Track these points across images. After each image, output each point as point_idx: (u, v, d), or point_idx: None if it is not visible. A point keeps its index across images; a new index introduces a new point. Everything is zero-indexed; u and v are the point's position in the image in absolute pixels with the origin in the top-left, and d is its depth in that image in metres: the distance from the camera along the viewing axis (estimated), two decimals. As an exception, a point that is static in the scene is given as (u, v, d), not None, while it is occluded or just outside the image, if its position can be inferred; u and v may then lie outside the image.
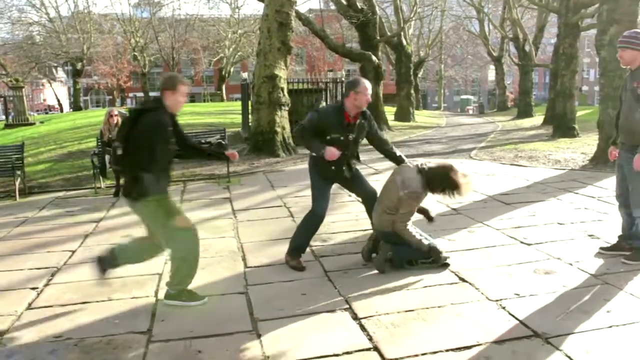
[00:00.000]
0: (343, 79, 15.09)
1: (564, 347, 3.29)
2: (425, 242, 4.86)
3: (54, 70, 62.71)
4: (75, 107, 46.09)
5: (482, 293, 4.18)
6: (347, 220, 6.57)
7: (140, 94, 51.94)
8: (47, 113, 53.94)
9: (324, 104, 15.37)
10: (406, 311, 3.92)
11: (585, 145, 13.14)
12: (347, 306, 4.08)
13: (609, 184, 8.06)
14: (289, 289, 4.51)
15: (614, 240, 5.13)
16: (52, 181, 10.57)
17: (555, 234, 5.64)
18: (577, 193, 7.54)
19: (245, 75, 15.12)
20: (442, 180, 4.61)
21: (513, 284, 4.33)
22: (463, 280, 4.47)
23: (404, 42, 26.95)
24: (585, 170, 9.50)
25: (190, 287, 4.67)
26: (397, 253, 4.75)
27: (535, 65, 27.85)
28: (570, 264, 4.73)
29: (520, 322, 3.67)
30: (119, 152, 4.18)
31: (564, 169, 9.74)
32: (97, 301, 4.44)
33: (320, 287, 4.50)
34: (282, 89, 12.63)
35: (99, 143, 9.39)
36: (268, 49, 12.58)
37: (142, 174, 4.01)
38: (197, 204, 7.98)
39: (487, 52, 38.19)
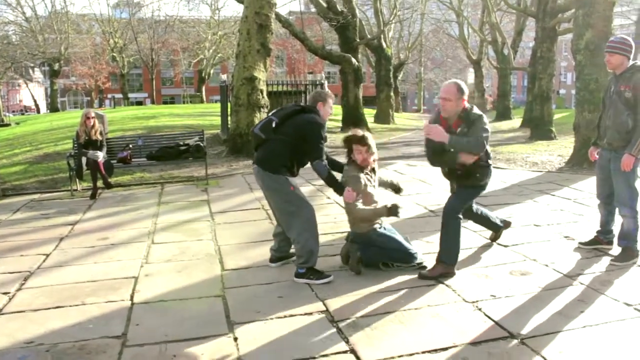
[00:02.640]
0: (322, 82, 15.10)
1: (538, 348, 3.32)
2: (403, 242, 4.88)
3: (30, 71, 61.81)
4: (52, 108, 45.53)
5: (458, 295, 4.20)
6: (326, 222, 6.55)
7: (119, 95, 51.59)
8: (23, 114, 53.17)
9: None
10: (383, 313, 3.92)
11: (562, 147, 13.30)
12: (324, 309, 4.07)
13: (585, 185, 8.18)
14: (265, 291, 4.49)
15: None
16: (27, 183, 10.38)
17: (531, 236, 5.69)
18: (553, 195, 7.62)
19: (224, 77, 15.04)
20: (348, 143, 4.82)
21: (489, 286, 4.35)
22: (440, 282, 4.48)
23: (384, 44, 27.05)
24: (562, 173, 9.62)
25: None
26: (367, 253, 4.77)
27: (514, 68, 28.11)
28: (546, 265, 4.77)
29: (496, 323, 3.69)
30: None
31: (541, 171, 9.85)
32: (71, 305, 4.37)
33: (297, 290, 4.48)
34: (262, 91, 12.58)
35: (75, 145, 9.25)
36: (247, 50, 12.51)
37: None
38: (175, 207, 7.91)
39: (466, 56, 38.42)
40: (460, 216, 4.73)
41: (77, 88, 54.46)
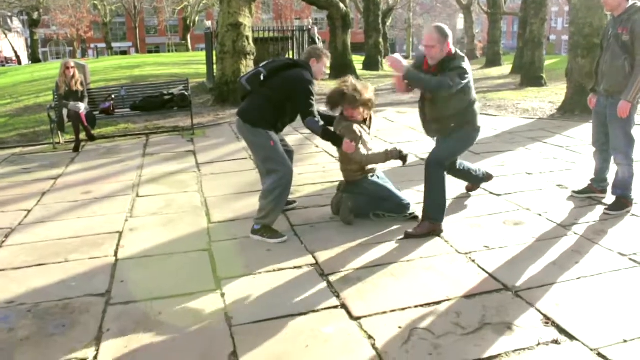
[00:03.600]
0: (310, 27, 14.67)
1: (533, 300, 3.25)
2: (395, 192, 4.77)
3: (9, 21, 59.84)
4: (34, 59, 44.32)
5: (451, 246, 4.11)
6: (315, 172, 6.42)
7: (102, 45, 50.26)
8: (3, 65, 51.79)
9: (290, 53, 15.01)
10: (374, 266, 3.83)
11: (553, 94, 13.11)
12: (314, 262, 3.97)
13: (577, 133, 8.07)
14: (253, 245, 4.37)
15: (582, 189, 5.18)
16: (8, 137, 10.08)
17: (524, 184, 5.59)
18: (545, 142, 7.51)
19: (209, 23, 14.54)
20: (339, 98, 4.62)
21: (483, 236, 4.27)
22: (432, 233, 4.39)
23: (373, -11, 26.31)
24: (554, 120, 9.48)
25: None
26: (358, 202, 4.66)
27: (505, 13, 27.61)
28: (539, 215, 4.68)
29: (490, 275, 3.61)
30: None
31: (533, 118, 9.70)
32: (53, 263, 4.24)
33: (286, 242, 4.37)
34: (247, 38, 12.19)
35: (56, 96, 8.94)
36: (231, -5, 12.06)
37: None
38: (160, 158, 7.72)
39: (456, 0, 37.68)
40: (444, 169, 4.51)
41: (59, 38, 52.94)
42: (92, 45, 54.25)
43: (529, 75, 16.44)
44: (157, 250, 4.41)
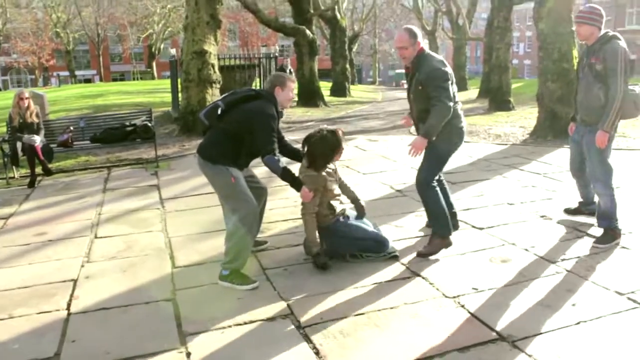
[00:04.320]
0: (277, 55, 14.47)
1: (533, 352, 2.95)
2: (371, 230, 4.46)
3: (-32, 49, 58.59)
4: (-7, 87, 43.28)
5: (437, 289, 3.80)
6: (285, 207, 6.08)
7: (66, 73, 49.32)
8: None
9: (257, 81, 14.76)
10: (356, 315, 3.49)
11: (523, 118, 13.11)
12: (289, 312, 3.61)
13: (553, 158, 7.93)
14: (222, 293, 3.99)
15: (566, 220, 5.00)
16: (-42, 172, 9.50)
17: (506, 216, 5.35)
18: (522, 170, 7.33)
19: (173, 51, 14.21)
20: (326, 150, 4.29)
21: (469, 277, 3.97)
22: (416, 274, 4.08)
23: (339, 15, 26.41)
24: (527, 145, 9.37)
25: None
26: (332, 244, 4.36)
27: (469, 38, 27.95)
28: (526, 250, 4.43)
29: (482, 322, 3.30)
30: None
31: (506, 144, 9.58)
32: (-5, 320, 3.78)
33: (257, 289, 4.00)
34: (213, 66, 11.87)
35: (9, 128, 8.44)
36: (196, 22, 11.76)
37: None
38: (122, 193, 7.28)
39: (420, 27, 38.15)
40: (435, 184, 4.51)
41: (20, 66, 51.84)
42: (55, 74, 53.16)
43: (497, 99, 16.53)
44: (115, 301, 3.99)
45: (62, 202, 7.03)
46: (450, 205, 4.87)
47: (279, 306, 3.70)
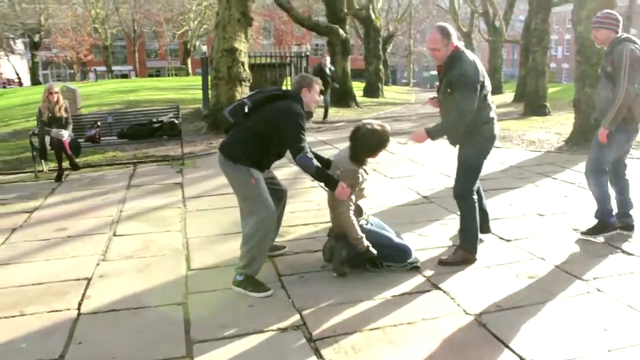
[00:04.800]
0: (308, 53, 14.33)
1: (558, 380, 2.75)
2: (393, 238, 4.28)
3: (12, 43, 59.89)
4: (34, 81, 44.21)
5: (458, 305, 3.61)
6: (308, 210, 5.94)
7: (103, 68, 50.15)
8: (5, 87, 51.60)
9: (288, 80, 14.64)
10: (370, 329, 3.33)
11: (559, 124, 12.70)
12: (301, 322, 3.47)
13: (588, 167, 7.59)
14: (234, 298, 3.87)
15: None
16: (-10, 164, 9.65)
17: (536, 228, 5.10)
18: (555, 178, 7.03)
19: (204, 48, 14.22)
20: (371, 145, 4.15)
21: (493, 292, 3.76)
22: (436, 287, 3.89)
23: (373, 15, 26.12)
24: (562, 152, 9.03)
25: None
26: (353, 251, 4.14)
27: (506, 41, 27.43)
28: (556, 266, 4.19)
29: (504, 344, 3.10)
30: None
31: (540, 151, 9.25)
32: (6, 317, 3.74)
33: (271, 296, 3.87)
34: (243, 63, 11.81)
35: (39, 122, 8.50)
36: (227, 20, 11.71)
37: None
38: (145, 191, 7.25)
39: (456, 28, 37.61)
40: (474, 195, 4.32)
41: (59, 60, 52.95)
42: (92, 69, 54.17)
43: (533, 104, 16.10)
44: (126, 302, 3.92)
45: (86, 198, 7.04)
46: (484, 212, 4.71)
47: (292, 316, 3.56)
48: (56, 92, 8.38)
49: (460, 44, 4.24)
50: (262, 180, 4.05)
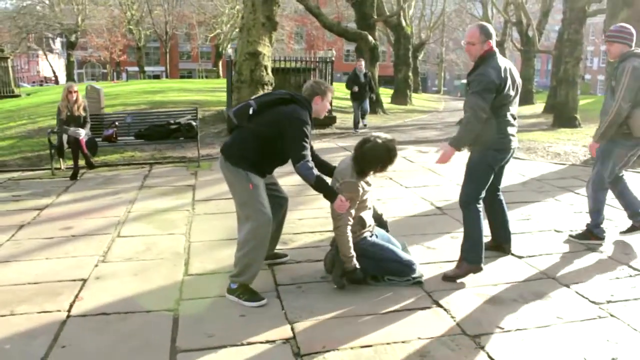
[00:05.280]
0: (333, 59, 14.17)
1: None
2: (397, 251, 4.10)
3: (51, 42, 61.42)
4: (69, 79, 45.02)
5: (458, 324, 3.41)
6: (316, 217, 5.79)
7: (136, 69, 50.92)
8: (42, 85, 52.83)
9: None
10: (361, 347, 3.15)
11: (588, 137, 12.29)
12: (292, 336, 3.32)
13: (613, 183, 7.28)
14: (227, 307, 3.75)
15: (619, 255, 4.49)
16: (11, 160, 9.75)
17: (551, 245, 4.86)
18: (577, 193, 6.74)
19: (230, 51, 14.19)
20: (376, 160, 3.94)
21: (497, 313, 3.55)
22: (437, 303, 3.69)
23: (404, 22, 25.92)
24: (587, 166, 8.68)
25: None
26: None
27: (538, 51, 26.91)
28: (567, 287, 3.95)
29: (502, 370, 2.90)
30: None
31: (564, 164, 8.93)
32: (-4, 316, 3.68)
33: (264, 307, 3.73)
34: (266, 67, 11.74)
35: (58, 121, 8.53)
36: (252, 24, 11.66)
37: None
38: (157, 192, 7.19)
39: (489, 37, 37.11)
40: (480, 205, 4.13)
41: (94, 60, 53.99)
42: (124, 69, 55.06)
43: (562, 115, 15.69)
44: (117, 306, 3.82)
45: (98, 197, 7.01)
46: (506, 223, 4.57)
47: (283, 329, 3.41)
48: (75, 91, 8.41)
49: (496, 49, 4.05)
50: (262, 187, 3.91)
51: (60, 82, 50.82)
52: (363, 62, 14.05)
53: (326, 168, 4.15)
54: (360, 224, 4.00)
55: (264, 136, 3.84)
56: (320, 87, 4.02)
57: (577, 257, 4.56)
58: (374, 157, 3.91)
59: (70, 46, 45.11)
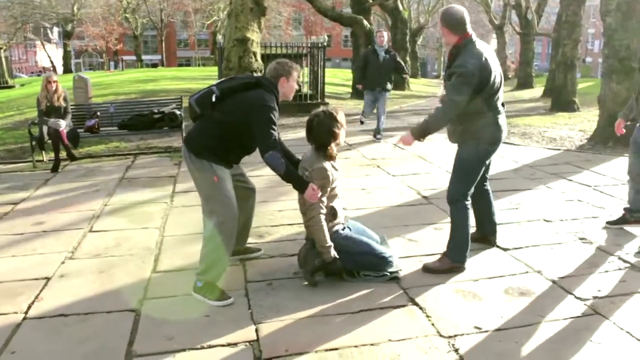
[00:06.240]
0: (325, 44, 13.87)
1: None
2: (372, 244, 3.88)
3: (49, 32, 61.00)
4: (66, 69, 44.75)
5: (432, 324, 3.20)
6: (296, 208, 5.51)
7: (133, 57, 50.56)
8: (40, 75, 52.49)
9: (306, 71, 14.25)
10: (326, 350, 2.95)
11: (585, 120, 12.07)
12: (255, 338, 3.12)
13: (608, 169, 7.06)
14: (191, 306, 3.54)
15: (610, 247, 4.27)
16: (-7, 152, 9.54)
17: (539, 235, 4.64)
18: (570, 180, 6.52)
19: (220, 38, 13.91)
20: (327, 130, 3.73)
21: (476, 311, 3.34)
22: (413, 301, 3.48)
23: (400, 6, 25.52)
24: (582, 151, 8.46)
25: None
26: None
27: (537, 34, 26.50)
28: (553, 281, 3.74)
29: (475, 375, 2.70)
30: None
31: (559, 149, 8.68)
32: (-53, 319, 3.48)
33: (231, 306, 3.53)
34: (255, 54, 11.49)
35: (38, 112, 8.30)
36: (240, 9, 11.39)
37: None
38: (137, 183, 6.97)
39: (488, 20, 36.63)
40: (468, 201, 3.93)
41: (91, 49, 53.59)
42: (120, 58, 54.68)
43: (560, 99, 15.41)
44: (77, 306, 3.62)
45: (76, 190, 6.80)
46: (492, 215, 4.35)
47: (247, 330, 3.21)
48: (54, 81, 8.17)
49: (472, 33, 3.79)
50: (228, 179, 3.70)
51: (58, 72, 50.51)
52: (385, 35, 9.55)
53: (291, 160, 3.93)
54: (331, 213, 3.79)
55: (228, 124, 3.62)
56: (284, 68, 3.79)
57: (566, 249, 4.34)
58: (324, 128, 3.70)
59: (66, 36, 44.80)
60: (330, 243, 3.68)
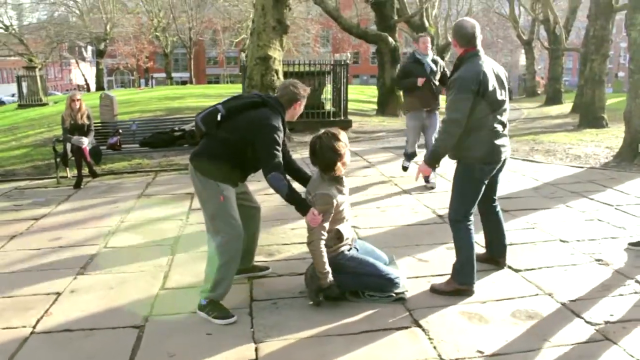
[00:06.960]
0: (348, 62, 13.91)
1: None
2: (378, 265, 3.82)
3: (83, 51, 62.70)
4: (98, 87, 45.78)
5: (434, 347, 3.14)
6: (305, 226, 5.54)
7: (163, 75, 51.52)
8: (73, 93, 53.84)
9: (328, 88, 14.30)
10: (325, 373, 2.92)
11: (613, 137, 11.80)
12: (253, 357, 3.10)
13: (633, 187, 6.88)
14: (195, 324, 3.55)
15: (627, 269, 4.16)
16: (21, 168, 9.78)
17: (553, 256, 4.52)
18: (591, 199, 6.35)
19: (243, 56, 14.09)
20: (331, 151, 3.65)
21: (480, 334, 3.27)
22: (416, 323, 3.42)
23: (427, 23, 25.50)
24: (607, 169, 8.26)
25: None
26: (334, 279, 3.72)
27: (565, 49, 26.10)
28: (563, 304, 3.63)
29: (474, 401, 2.63)
30: None
31: (583, 167, 8.49)
32: (-43, 333, 3.55)
33: (233, 324, 3.52)
34: (277, 72, 11.57)
35: (62, 129, 8.49)
36: (262, 27, 11.51)
37: None
38: (155, 200, 7.06)
39: (516, 35, 36.32)
40: (470, 222, 3.82)
41: (122, 67, 54.82)
42: (151, 75, 55.77)
43: (588, 115, 15.11)
44: (84, 322, 3.66)
45: (96, 206, 6.91)
46: (502, 236, 4.22)
47: (246, 350, 3.19)
48: (78, 100, 8.34)
49: (479, 48, 3.74)
50: (233, 199, 3.72)
51: (91, 90, 51.70)
52: (429, 40, 7.22)
53: (302, 176, 3.93)
54: (336, 237, 3.75)
55: (233, 143, 3.65)
56: (300, 92, 3.81)
57: (580, 271, 4.22)
58: (328, 149, 3.65)
59: (99, 54, 45.90)
60: (327, 269, 3.64)
